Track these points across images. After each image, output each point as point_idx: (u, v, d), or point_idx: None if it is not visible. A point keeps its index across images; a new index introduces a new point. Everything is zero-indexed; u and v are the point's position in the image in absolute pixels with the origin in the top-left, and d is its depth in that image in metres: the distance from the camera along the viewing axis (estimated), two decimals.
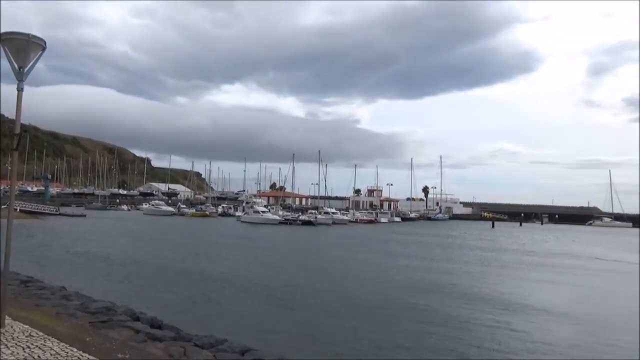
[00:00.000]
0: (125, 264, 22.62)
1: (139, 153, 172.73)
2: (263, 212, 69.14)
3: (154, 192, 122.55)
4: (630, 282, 24.77)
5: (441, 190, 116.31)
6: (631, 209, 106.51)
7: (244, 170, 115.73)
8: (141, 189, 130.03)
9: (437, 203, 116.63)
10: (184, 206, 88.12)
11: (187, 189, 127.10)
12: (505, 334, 12.42)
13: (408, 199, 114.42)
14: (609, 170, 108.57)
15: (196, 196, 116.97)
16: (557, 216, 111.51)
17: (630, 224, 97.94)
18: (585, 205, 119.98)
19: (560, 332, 13.19)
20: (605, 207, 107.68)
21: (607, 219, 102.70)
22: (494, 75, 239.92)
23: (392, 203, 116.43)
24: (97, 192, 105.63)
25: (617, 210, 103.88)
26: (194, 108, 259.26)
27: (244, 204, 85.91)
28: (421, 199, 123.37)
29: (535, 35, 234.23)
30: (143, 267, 22.02)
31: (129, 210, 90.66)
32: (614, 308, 17.74)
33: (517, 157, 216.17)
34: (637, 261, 33.73)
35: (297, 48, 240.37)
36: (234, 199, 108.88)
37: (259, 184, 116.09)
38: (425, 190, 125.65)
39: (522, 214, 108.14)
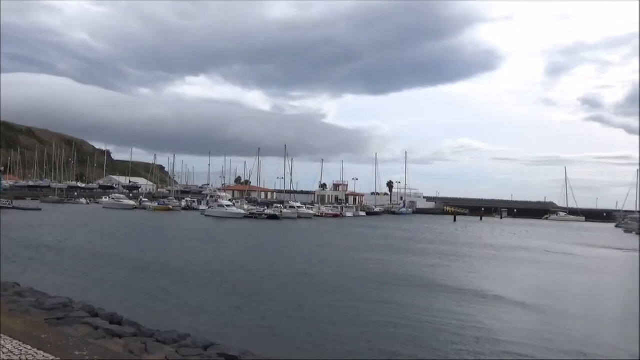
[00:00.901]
0: (83, 258, 21.98)
1: (98, 145, 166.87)
2: (228, 206, 68.42)
3: (114, 186, 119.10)
4: (578, 273, 25.97)
5: (405, 185, 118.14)
6: (585, 204, 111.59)
7: (209, 164, 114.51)
8: (101, 182, 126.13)
9: (402, 198, 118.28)
10: (146, 200, 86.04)
11: (150, 183, 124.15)
12: (461, 322, 12.80)
13: (373, 193, 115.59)
14: (565, 167, 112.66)
15: (159, 190, 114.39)
16: (515, 211, 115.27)
17: (584, 218, 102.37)
18: (542, 200, 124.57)
19: (517, 319, 13.69)
20: (560, 202, 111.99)
21: (562, 214, 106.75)
22: (457, 72, 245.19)
23: (357, 197, 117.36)
24: (53, 185, 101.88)
25: (572, 205, 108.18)
26: (156, 100, 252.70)
27: (208, 198, 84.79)
28: (386, 194, 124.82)
29: (496, 35, 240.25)
30: (102, 261, 21.45)
31: (87, 203, 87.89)
32: (563, 297, 18.51)
33: (478, 153, 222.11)
34: (585, 254, 35.45)
35: (264, 41, 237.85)
36: (198, 193, 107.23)
37: (224, 177, 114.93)
38: (390, 185, 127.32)
39: (483, 209, 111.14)
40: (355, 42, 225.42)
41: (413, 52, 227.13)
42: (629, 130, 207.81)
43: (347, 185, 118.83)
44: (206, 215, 65.77)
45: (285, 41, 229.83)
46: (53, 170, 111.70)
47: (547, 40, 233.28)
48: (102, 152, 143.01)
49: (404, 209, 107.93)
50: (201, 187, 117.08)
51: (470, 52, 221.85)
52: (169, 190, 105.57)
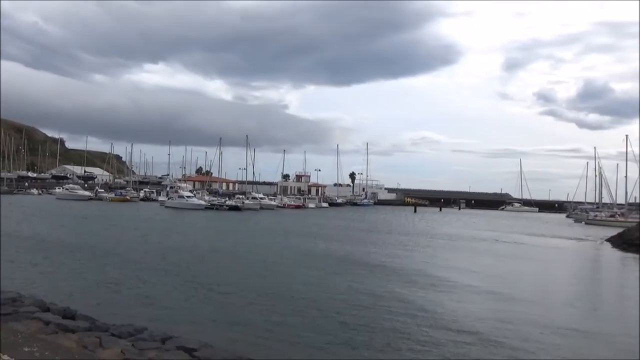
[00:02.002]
0: (33, 250, 21.07)
1: (51, 133, 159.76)
2: (188, 197, 67.40)
3: (68, 176, 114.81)
4: (526, 262, 27.07)
5: (367, 176, 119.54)
6: (538, 195, 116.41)
7: (168, 154, 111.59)
8: (54, 171, 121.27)
9: (363, 189, 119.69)
10: (102, 190, 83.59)
11: (106, 173, 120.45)
12: (413, 307, 13.12)
13: (335, 184, 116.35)
14: (520, 159, 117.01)
15: (116, 180, 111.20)
16: (473, 202, 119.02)
17: (537, 209, 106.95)
18: (499, 191, 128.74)
19: (471, 304, 14.14)
20: (515, 193, 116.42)
21: (517, 204, 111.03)
22: (418, 65, 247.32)
23: (319, 188, 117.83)
24: (2, 174, 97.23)
25: (526, 196, 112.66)
26: (113, 87, 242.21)
27: (168, 189, 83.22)
28: (348, 185, 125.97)
29: (457, 30, 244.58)
30: (53, 253, 20.63)
31: (39, 194, 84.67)
32: (514, 283, 19.20)
33: (438, 145, 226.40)
34: (533, 243, 37.08)
35: (225, 29, 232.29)
36: (158, 184, 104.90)
37: (184, 168, 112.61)
38: (352, 176, 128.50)
39: (442, 200, 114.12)
40: (317, 33, 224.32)
41: (375, 45, 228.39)
42: (580, 124, 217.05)
43: (309, 176, 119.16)
44: (166, 207, 64.65)
45: (248, 30, 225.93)
46: (2, 159, 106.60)
47: (504, 36, 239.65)
48: (54, 141, 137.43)
49: (365, 200, 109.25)
50: (160, 178, 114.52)
51: (431, 46, 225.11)
52: (127, 181, 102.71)
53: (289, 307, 13.13)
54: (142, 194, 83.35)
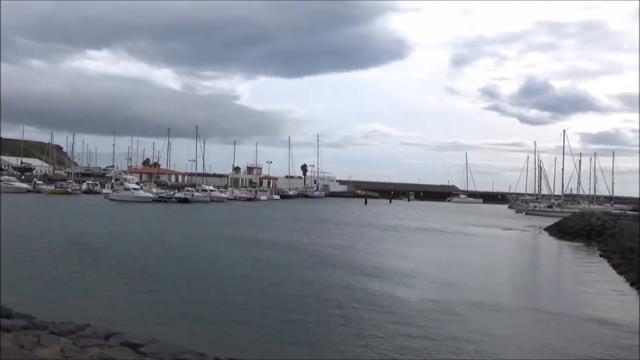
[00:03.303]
0: None
1: None
2: (134, 189, 65.12)
3: (3, 167, 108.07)
4: (470, 251, 28.19)
5: (318, 168, 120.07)
6: (482, 187, 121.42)
7: (113, 145, 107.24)
8: None
9: (315, 181, 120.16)
10: (41, 182, 79.32)
11: (45, 164, 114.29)
12: (361, 296, 13.37)
13: (287, 176, 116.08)
14: (466, 153, 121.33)
15: (56, 172, 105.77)
16: (422, 193, 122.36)
17: (481, 200, 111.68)
18: (446, 183, 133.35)
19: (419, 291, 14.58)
20: (462, 185, 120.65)
21: (463, 196, 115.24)
22: (370, 59, 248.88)
23: (271, 181, 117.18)
24: None
25: (471, 188, 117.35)
26: (52, 73, 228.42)
27: (112, 181, 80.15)
28: (300, 177, 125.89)
29: (406, 25, 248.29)
30: None
31: None
32: (456, 272, 19.94)
33: (388, 138, 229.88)
34: (477, 233, 38.69)
35: (173, 17, 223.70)
36: (102, 176, 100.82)
37: (130, 159, 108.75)
38: (304, 168, 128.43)
39: (392, 192, 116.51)
40: (270, 24, 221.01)
41: (327, 37, 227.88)
42: (522, 119, 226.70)
43: (261, 168, 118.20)
44: (110, 199, 62.26)
45: (197, 18, 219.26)
46: None
47: (451, 33, 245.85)
48: None
49: (317, 192, 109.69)
50: (105, 169, 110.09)
51: (382, 40, 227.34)
52: (68, 173, 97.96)
53: (236, 299, 13.04)
54: (84, 187, 79.75)
